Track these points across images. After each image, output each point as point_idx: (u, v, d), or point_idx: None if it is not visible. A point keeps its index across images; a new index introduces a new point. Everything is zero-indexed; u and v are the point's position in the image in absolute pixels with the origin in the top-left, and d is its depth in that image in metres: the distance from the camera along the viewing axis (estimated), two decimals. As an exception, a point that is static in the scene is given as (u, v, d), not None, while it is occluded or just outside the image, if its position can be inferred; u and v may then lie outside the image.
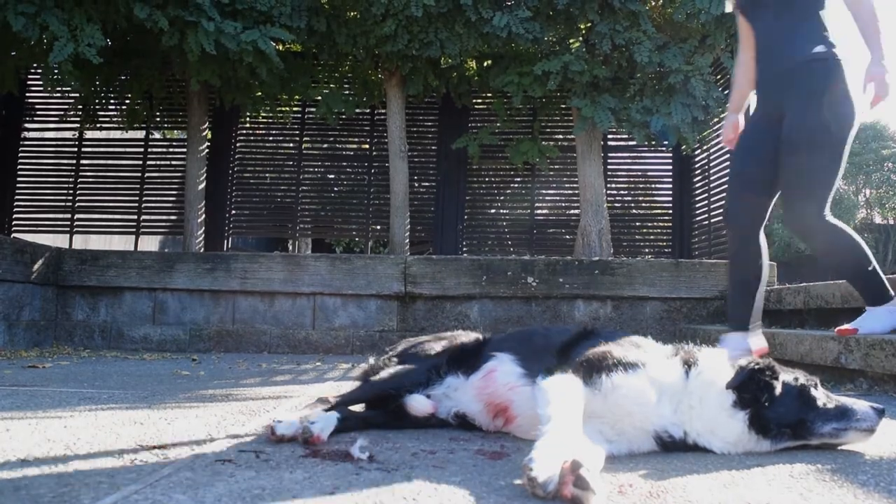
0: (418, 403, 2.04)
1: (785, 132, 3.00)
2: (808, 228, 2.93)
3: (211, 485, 1.41)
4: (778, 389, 1.72)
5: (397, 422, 2.06)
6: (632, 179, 8.93)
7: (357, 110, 8.10)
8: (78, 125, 8.43)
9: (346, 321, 5.91)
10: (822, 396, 1.75)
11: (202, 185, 7.48)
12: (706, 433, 1.71)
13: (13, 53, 6.37)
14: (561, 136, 8.41)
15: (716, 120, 7.13)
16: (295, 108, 8.55)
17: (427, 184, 8.58)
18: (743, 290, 3.21)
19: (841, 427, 1.73)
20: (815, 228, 2.90)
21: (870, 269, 2.92)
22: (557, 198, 8.80)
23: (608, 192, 7.85)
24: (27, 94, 8.59)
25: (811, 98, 2.93)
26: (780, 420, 1.71)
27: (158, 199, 8.57)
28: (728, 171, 6.93)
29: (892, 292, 2.94)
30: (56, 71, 5.86)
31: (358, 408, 2.14)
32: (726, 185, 6.99)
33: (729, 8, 3.57)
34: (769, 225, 18.03)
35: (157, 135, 8.98)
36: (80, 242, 8.80)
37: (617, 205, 8.61)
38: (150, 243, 11.21)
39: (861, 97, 2.97)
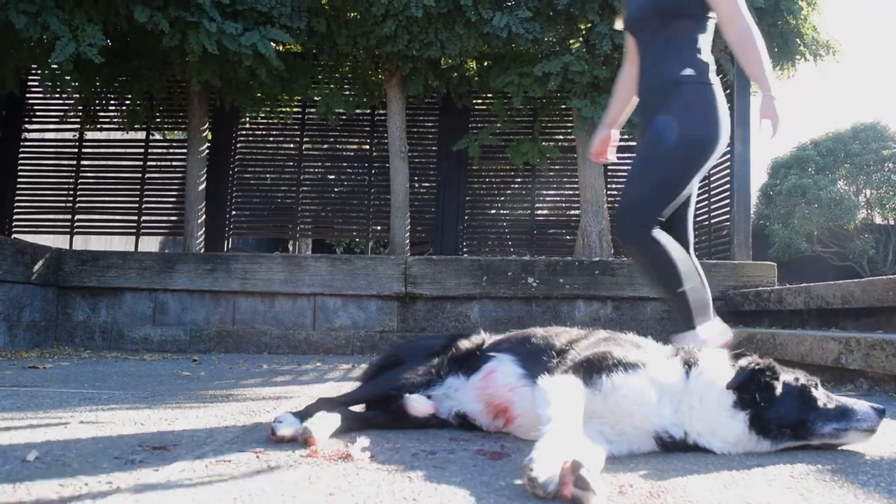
0: (418, 404, 2.04)
1: (638, 147, 2.98)
2: (630, 239, 2.86)
3: (211, 485, 1.41)
4: (778, 390, 1.72)
5: (398, 422, 2.06)
6: (632, 180, 8.92)
7: (357, 111, 8.10)
8: (78, 126, 8.43)
9: (346, 322, 5.91)
10: (823, 397, 1.75)
11: (202, 186, 7.48)
12: (706, 433, 1.71)
13: (14, 54, 6.37)
14: (561, 137, 8.41)
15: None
16: (295, 109, 8.55)
17: (427, 184, 8.58)
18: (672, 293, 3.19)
19: (841, 427, 1.73)
20: (637, 240, 2.82)
21: (679, 291, 2.82)
22: (558, 198, 8.80)
23: (608, 192, 7.85)
24: (28, 95, 8.59)
25: (665, 120, 2.89)
26: (780, 420, 1.71)
27: (159, 199, 8.57)
28: (728, 171, 6.99)
29: (696, 322, 2.84)
30: (57, 71, 5.86)
31: (358, 408, 2.14)
32: (727, 187, 7.01)
33: (619, 25, 3.49)
34: (769, 226, 17.87)
35: (157, 135, 8.98)
36: (80, 243, 8.80)
37: (617, 205, 8.60)
38: (150, 244, 11.21)
39: (728, 123, 2.94)
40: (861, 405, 1.75)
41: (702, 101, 2.89)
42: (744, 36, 2.88)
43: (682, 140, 2.84)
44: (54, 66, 5.89)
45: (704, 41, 2.98)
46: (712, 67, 2.96)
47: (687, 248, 3.06)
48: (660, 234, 2.83)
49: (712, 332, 2.83)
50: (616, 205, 2.97)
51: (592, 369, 1.71)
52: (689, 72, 2.90)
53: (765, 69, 2.86)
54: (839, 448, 1.78)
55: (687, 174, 2.89)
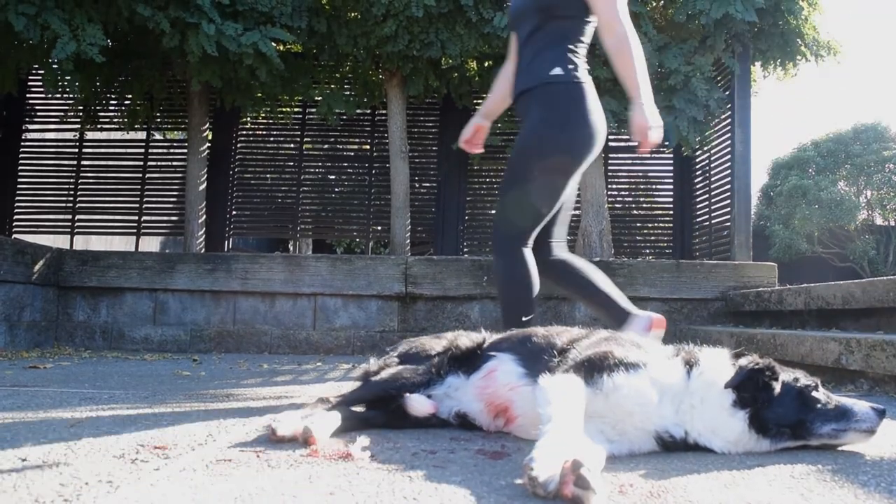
0: (419, 403, 2.04)
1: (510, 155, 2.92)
2: (498, 252, 2.78)
3: (211, 484, 1.41)
4: (777, 389, 1.71)
5: (398, 422, 2.06)
6: (632, 180, 8.94)
7: (358, 111, 8.11)
8: (78, 126, 8.44)
9: (346, 322, 5.91)
10: (822, 397, 1.75)
11: (203, 186, 7.49)
12: (707, 432, 1.71)
13: (13, 54, 6.38)
14: (562, 137, 8.39)
15: (717, 121, 7.13)
16: (296, 109, 8.56)
17: (428, 184, 8.59)
18: (589, 297, 3.11)
19: (840, 428, 1.73)
20: (503, 255, 2.75)
21: (525, 320, 2.73)
22: (558, 199, 8.79)
23: (609, 192, 7.85)
24: (28, 96, 8.60)
25: (533, 121, 2.84)
26: (779, 420, 1.71)
27: (159, 199, 8.58)
28: (728, 172, 6.99)
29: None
30: (57, 71, 5.87)
31: (359, 408, 2.14)
32: (727, 187, 7.01)
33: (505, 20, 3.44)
34: (769, 226, 17.82)
35: (157, 136, 8.99)
36: (80, 243, 8.81)
37: (618, 206, 8.61)
38: (150, 244, 11.22)
39: (603, 123, 2.91)
40: (861, 406, 1.75)
41: (569, 101, 2.84)
42: (621, 42, 2.84)
43: (552, 145, 2.78)
44: (55, 65, 5.89)
45: (580, 43, 2.93)
46: (584, 67, 2.91)
47: (550, 252, 2.99)
48: (528, 254, 2.76)
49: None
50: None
51: (594, 369, 1.70)
52: (557, 71, 2.85)
53: (638, 76, 2.83)
54: (840, 448, 1.78)
55: (558, 182, 2.81)
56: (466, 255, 7.95)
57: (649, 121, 2.78)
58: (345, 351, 5.84)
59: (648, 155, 8.56)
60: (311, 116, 8.51)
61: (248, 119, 8.59)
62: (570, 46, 2.90)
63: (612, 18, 2.84)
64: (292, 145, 8.83)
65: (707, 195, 7.79)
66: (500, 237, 2.80)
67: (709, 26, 6.19)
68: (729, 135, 7.07)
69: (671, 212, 8.50)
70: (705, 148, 7.66)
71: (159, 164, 8.72)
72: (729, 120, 7.07)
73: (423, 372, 2.08)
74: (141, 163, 8.59)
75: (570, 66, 2.87)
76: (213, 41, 5.74)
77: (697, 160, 8.09)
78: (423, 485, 1.42)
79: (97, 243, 9.46)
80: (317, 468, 1.55)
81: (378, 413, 2.09)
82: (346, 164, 8.98)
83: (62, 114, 8.59)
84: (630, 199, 8.91)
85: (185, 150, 7.75)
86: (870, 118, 37.72)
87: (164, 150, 8.92)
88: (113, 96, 7.99)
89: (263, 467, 1.56)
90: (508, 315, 2.78)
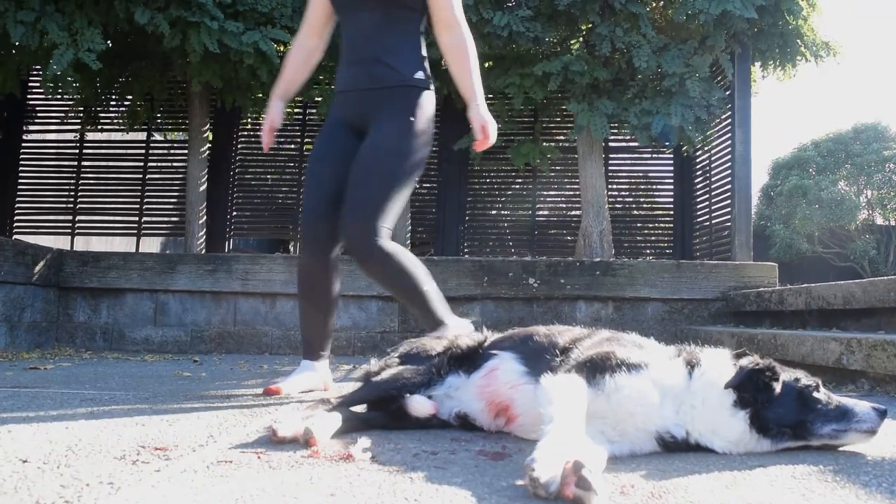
0: (419, 404, 2.04)
1: (364, 149, 2.81)
2: (363, 250, 2.69)
3: (212, 486, 1.41)
4: (777, 390, 1.72)
5: (399, 422, 2.06)
6: (633, 180, 8.94)
7: (358, 111, 8.09)
8: (79, 127, 8.44)
9: (347, 322, 5.91)
10: (823, 397, 1.75)
11: (203, 187, 7.49)
12: (708, 433, 1.71)
13: (14, 56, 6.38)
14: (562, 138, 8.41)
15: (717, 121, 7.13)
16: (296, 109, 8.56)
17: (428, 185, 8.59)
18: (314, 318, 2.97)
19: (841, 428, 1.73)
20: (364, 250, 2.69)
21: (425, 288, 2.76)
22: (559, 199, 8.80)
23: (609, 193, 7.85)
24: (28, 96, 8.60)
25: (401, 123, 2.79)
26: (779, 420, 1.71)
27: (159, 200, 8.58)
28: (729, 172, 6.99)
29: (444, 318, 2.76)
30: (58, 73, 5.88)
31: (359, 409, 2.14)
32: (728, 187, 7.00)
33: None
34: (770, 226, 17.82)
35: (158, 136, 8.99)
36: (81, 244, 8.81)
37: (618, 206, 8.61)
38: (151, 245, 11.21)
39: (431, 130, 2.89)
40: (862, 406, 1.74)
41: (427, 109, 2.85)
42: (460, 41, 2.82)
43: (411, 153, 2.79)
44: (55, 66, 5.90)
45: (423, 41, 2.92)
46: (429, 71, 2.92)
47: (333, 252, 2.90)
48: (388, 243, 2.73)
49: (461, 327, 2.76)
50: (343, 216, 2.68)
51: (595, 369, 1.70)
52: (420, 75, 2.84)
53: (475, 78, 2.82)
54: (841, 449, 1.78)
55: (410, 181, 2.83)
56: (467, 256, 7.96)
57: (488, 119, 2.81)
58: (345, 352, 5.84)
59: (649, 155, 8.57)
60: (312, 117, 8.52)
61: (249, 119, 8.59)
62: (421, 44, 2.89)
63: (452, 18, 2.82)
64: (293, 146, 8.84)
65: (707, 195, 7.79)
66: (358, 236, 2.69)
67: (708, 25, 6.19)
68: (729, 135, 7.07)
69: (671, 212, 8.50)
70: (705, 148, 7.67)
71: (160, 164, 8.73)
72: (729, 120, 7.07)
73: (423, 372, 2.08)
74: (141, 163, 8.60)
75: (428, 72, 2.87)
76: (214, 38, 5.76)
77: (698, 160, 8.09)
78: (425, 486, 1.42)
79: (97, 244, 9.46)
80: (318, 469, 1.55)
81: (379, 414, 2.09)
82: (346, 165, 8.97)
83: (62, 115, 8.59)
84: (630, 199, 8.91)
85: (186, 151, 7.76)
86: (870, 118, 37.72)
87: (165, 151, 8.93)
88: (113, 97, 7.99)
89: (264, 468, 1.56)
90: (413, 304, 2.81)
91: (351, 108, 2.95)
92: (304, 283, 2.95)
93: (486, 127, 2.82)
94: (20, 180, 8.54)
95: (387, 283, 2.88)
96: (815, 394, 1.74)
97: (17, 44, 5.99)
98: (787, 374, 1.77)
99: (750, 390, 1.70)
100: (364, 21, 2.87)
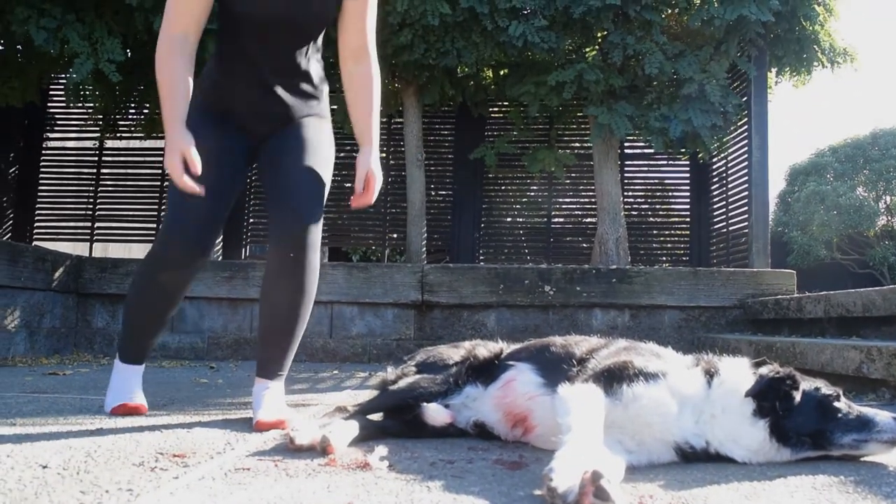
0: (436, 413, 2.04)
1: (295, 151, 2.63)
2: (311, 246, 2.50)
3: (230, 493, 1.41)
4: (797, 399, 1.70)
5: (415, 431, 2.06)
6: (649, 187, 8.90)
7: (374, 120, 8.12)
8: (98, 135, 8.52)
9: (363, 330, 5.91)
10: (844, 407, 1.73)
11: (220, 194, 7.52)
12: (728, 441, 1.70)
13: (35, 64, 6.46)
14: (577, 145, 8.40)
15: (733, 127, 7.09)
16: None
17: (444, 192, 8.59)
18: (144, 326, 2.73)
19: (862, 438, 1.71)
20: (314, 248, 2.53)
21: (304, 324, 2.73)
22: (574, 206, 8.78)
23: (625, 200, 7.82)
24: (48, 105, 8.71)
25: (323, 131, 2.72)
26: (799, 429, 1.69)
27: (177, 207, 8.62)
28: (746, 178, 6.95)
29: None
30: (78, 81, 5.95)
31: (376, 417, 2.14)
32: (745, 194, 6.96)
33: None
34: (787, 233, 17.64)
35: (175, 144, 9.04)
36: (99, 251, 8.88)
37: (634, 213, 8.58)
38: (168, 252, 11.27)
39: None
40: (883, 416, 1.73)
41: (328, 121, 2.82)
42: (371, 74, 2.57)
43: (331, 148, 2.78)
44: (74, 76, 5.98)
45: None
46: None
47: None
48: None
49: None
50: (286, 216, 2.50)
51: (613, 379, 1.70)
52: (326, 85, 2.72)
53: (374, 119, 2.59)
54: (862, 459, 1.76)
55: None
56: (482, 263, 7.96)
57: (377, 172, 2.56)
58: (361, 359, 5.85)
59: (664, 162, 8.53)
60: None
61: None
62: (320, 53, 2.70)
63: (366, 47, 2.54)
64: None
65: (724, 202, 7.74)
66: (314, 233, 2.54)
67: (722, 30, 6.17)
68: (746, 141, 7.03)
69: (688, 219, 8.45)
70: (722, 154, 7.62)
71: (177, 172, 8.78)
72: (746, 126, 7.03)
73: (440, 381, 2.08)
74: (159, 171, 8.65)
75: (324, 79, 2.73)
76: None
77: (714, 167, 8.05)
78: (442, 495, 1.42)
79: (116, 250, 9.54)
80: (335, 477, 1.56)
81: (395, 422, 2.09)
82: (361, 172, 8.99)
83: (82, 123, 8.69)
84: (646, 206, 8.87)
85: (203, 159, 7.79)
86: (888, 123, 37.40)
87: (182, 159, 8.98)
88: (132, 105, 8.06)
89: (281, 476, 1.57)
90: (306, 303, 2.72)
91: (250, 114, 2.71)
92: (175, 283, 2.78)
93: (371, 179, 2.54)
94: (40, 187, 8.63)
95: (303, 288, 2.68)
96: (836, 403, 1.73)
97: (37, 53, 6.07)
98: (807, 384, 1.76)
99: (770, 399, 1.69)
100: (287, 41, 2.59)
